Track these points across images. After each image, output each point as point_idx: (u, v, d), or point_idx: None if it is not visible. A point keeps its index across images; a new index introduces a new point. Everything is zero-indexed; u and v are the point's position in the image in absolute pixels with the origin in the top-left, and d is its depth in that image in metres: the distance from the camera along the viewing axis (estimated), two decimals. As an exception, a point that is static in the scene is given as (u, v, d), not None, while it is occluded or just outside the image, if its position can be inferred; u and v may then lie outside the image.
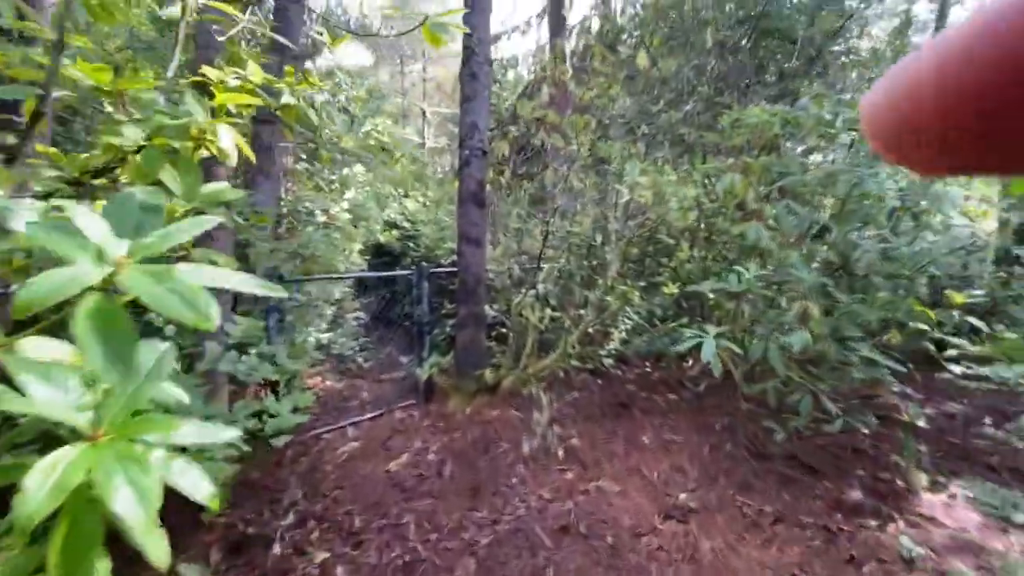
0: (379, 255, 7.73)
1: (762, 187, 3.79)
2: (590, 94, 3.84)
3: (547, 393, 4.13)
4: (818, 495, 2.89)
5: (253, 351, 3.26)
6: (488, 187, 4.83)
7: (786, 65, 6.23)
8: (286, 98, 2.14)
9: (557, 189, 4.17)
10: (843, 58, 7.02)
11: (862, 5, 6.10)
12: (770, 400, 3.27)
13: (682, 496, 2.86)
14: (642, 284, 5.48)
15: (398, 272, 4.89)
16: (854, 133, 3.82)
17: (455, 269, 4.74)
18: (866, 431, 2.95)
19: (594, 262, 4.82)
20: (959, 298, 3.16)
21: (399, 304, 6.21)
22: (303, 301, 4.48)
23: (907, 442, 2.96)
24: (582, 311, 4.53)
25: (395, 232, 6.33)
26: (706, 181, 4.13)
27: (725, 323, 3.71)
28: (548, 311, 4.51)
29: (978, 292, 3.51)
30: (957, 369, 3.11)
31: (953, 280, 4.97)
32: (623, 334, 5.44)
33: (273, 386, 3.54)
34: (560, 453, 3.45)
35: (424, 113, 12.99)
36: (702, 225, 4.24)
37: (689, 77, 5.12)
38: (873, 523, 2.60)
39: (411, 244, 6.92)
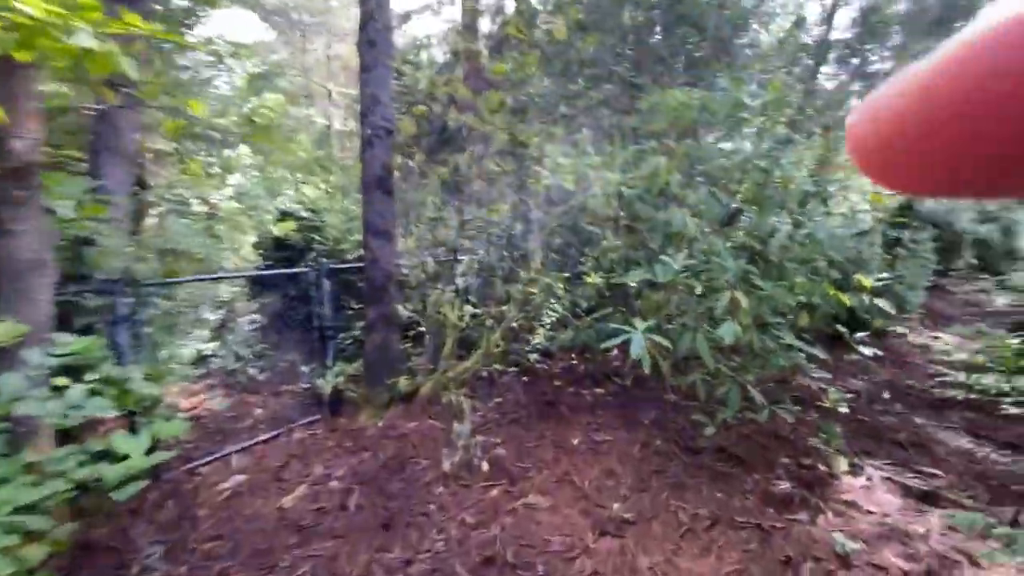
0: (280, 249, 6.89)
1: (679, 175, 3.68)
2: (505, 67, 3.49)
3: (469, 398, 3.78)
4: (749, 490, 2.80)
5: (94, 376, 2.57)
6: (397, 172, 4.33)
7: (696, 54, 6.29)
8: (84, 39, 1.56)
9: (472, 173, 3.78)
10: (748, 50, 7.27)
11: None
12: (699, 393, 3.16)
13: (616, 506, 2.65)
14: (566, 275, 5.29)
15: (292, 270, 4.26)
16: (764, 119, 3.83)
17: (362, 264, 4.21)
18: (789, 419, 2.92)
19: (515, 253, 4.51)
20: (867, 282, 3.23)
21: (302, 305, 5.52)
22: (166, 308, 3.73)
23: (829, 428, 2.97)
24: (504, 307, 4.21)
25: (292, 223, 5.60)
26: (628, 166, 3.96)
27: (651, 314, 3.56)
28: (468, 308, 4.14)
29: (886, 275, 3.65)
30: (868, 351, 3.17)
31: (851, 263, 5.29)
32: (548, 328, 5.23)
33: (131, 416, 2.86)
34: (484, 466, 3.11)
35: (330, 94, 11.93)
36: (623, 212, 4.08)
37: (607, 60, 4.95)
38: (804, 516, 2.54)
39: (315, 237, 6.21)
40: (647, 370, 2.72)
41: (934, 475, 2.90)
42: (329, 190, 6.35)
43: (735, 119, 3.53)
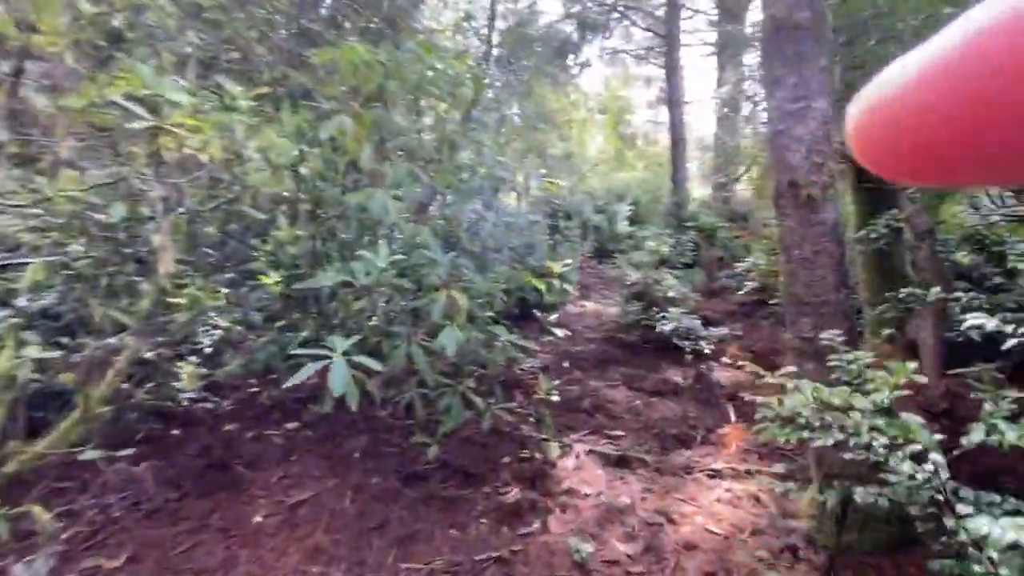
0: None
1: (370, 147, 3.06)
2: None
3: (52, 503, 2.23)
4: (481, 511, 2.48)
5: None
6: None
7: (368, 24, 5.73)
8: None
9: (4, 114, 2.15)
10: (419, 35, 7.17)
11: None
12: (417, 411, 2.66)
13: (328, 611, 1.87)
14: (229, 276, 4.00)
15: None
16: (452, 96, 3.60)
17: None
18: (509, 417, 2.75)
19: (134, 250, 2.99)
20: (556, 267, 3.39)
21: None
22: None
23: (542, 416, 2.95)
24: (115, 339, 2.71)
25: None
26: (306, 134, 3.06)
27: (350, 320, 2.85)
28: (32, 349, 2.44)
29: (569, 261, 3.96)
30: (560, 332, 3.34)
31: (527, 248, 5.84)
32: (209, 352, 3.85)
33: None
34: (85, 626, 1.79)
35: None
36: (303, 193, 3.17)
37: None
38: (536, 524, 2.37)
39: None
40: (354, 406, 2.01)
41: (618, 436, 3.25)
42: None
43: (425, 89, 3.12)
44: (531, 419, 3.39)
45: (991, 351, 3.13)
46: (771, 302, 5.40)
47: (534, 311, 3.74)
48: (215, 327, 3.87)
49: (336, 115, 2.31)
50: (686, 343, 4.38)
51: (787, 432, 1.30)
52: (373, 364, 2.03)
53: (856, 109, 0.17)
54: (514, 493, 2.61)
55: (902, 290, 3.15)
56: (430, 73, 3.36)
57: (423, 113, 4.58)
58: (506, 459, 2.95)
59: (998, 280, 4.00)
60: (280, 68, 3.39)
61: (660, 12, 12.18)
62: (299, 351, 2.19)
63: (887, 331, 3.16)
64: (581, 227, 8.94)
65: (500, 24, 9.63)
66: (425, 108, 4.66)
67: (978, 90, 0.14)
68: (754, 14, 11.38)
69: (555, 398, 2.98)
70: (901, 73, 0.16)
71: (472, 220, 3.51)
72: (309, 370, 1.98)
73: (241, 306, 3.38)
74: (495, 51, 9.16)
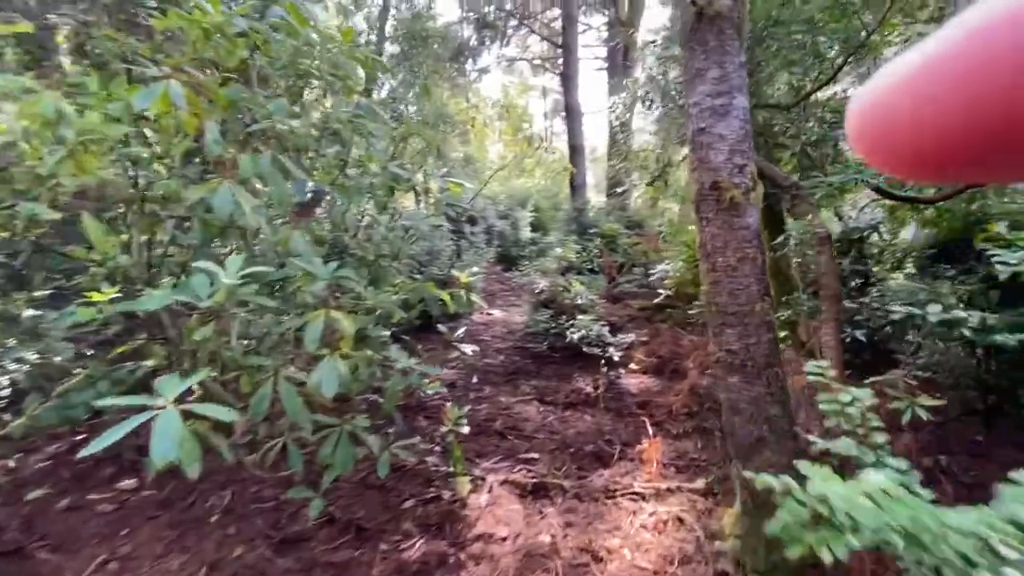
0: None
1: (219, 127, 2.47)
2: None
3: None
4: (379, 575, 2.04)
5: None
6: None
7: None
8: None
9: None
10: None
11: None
12: (293, 463, 2.14)
13: None
14: (47, 293, 3.16)
15: None
16: (335, 79, 3.12)
17: None
18: (411, 458, 2.34)
19: None
20: (465, 278, 3.04)
21: None
22: None
23: (452, 450, 2.57)
24: None
25: None
26: (137, 115, 2.38)
27: (205, 352, 2.25)
28: None
29: (476, 270, 3.62)
30: (469, 349, 2.99)
31: (428, 255, 5.41)
32: (8, 394, 2.96)
33: None
34: None
35: None
36: (133, 189, 2.48)
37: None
38: (446, 584, 1.99)
39: None
40: (194, 474, 1.49)
41: (533, 459, 2.98)
42: None
43: (301, 67, 2.62)
44: (437, 449, 3.00)
45: (884, 354, 3.38)
46: (669, 307, 5.55)
47: (438, 324, 3.37)
48: (19, 361, 2.99)
49: (164, 82, 1.74)
50: (596, 350, 4.26)
51: (823, 539, 1.08)
52: (219, 414, 1.52)
53: (858, 104, 0.17)
54: (418, 546, 2.21)
55: (797, 294, 3.26)
56: (308, 50, 2.86)
57: (302, 98, 3.99)
58: (408, 503, 2.53)
59: (859, 281, 4.44)
60: (106, 29, 2.64)
61: (557, 24, 12.45)
62: (111, 401, 1.60)
63: (784, 334, 3.26)
64: (486, 233, 8.69)
65: (395, 14, 9.07)
66: (309, 100, 4.07)
67: (978, 84, 0.13)
68: (646, 22, 12.04)
69: (465, 429, 2.61)
70: (901, 69, 0.15)
71: (364, 224, 3.04)
72: (123, 429, 1.42)
73: (43, 336, 2.57)
74: (388, 44, 8.60)
